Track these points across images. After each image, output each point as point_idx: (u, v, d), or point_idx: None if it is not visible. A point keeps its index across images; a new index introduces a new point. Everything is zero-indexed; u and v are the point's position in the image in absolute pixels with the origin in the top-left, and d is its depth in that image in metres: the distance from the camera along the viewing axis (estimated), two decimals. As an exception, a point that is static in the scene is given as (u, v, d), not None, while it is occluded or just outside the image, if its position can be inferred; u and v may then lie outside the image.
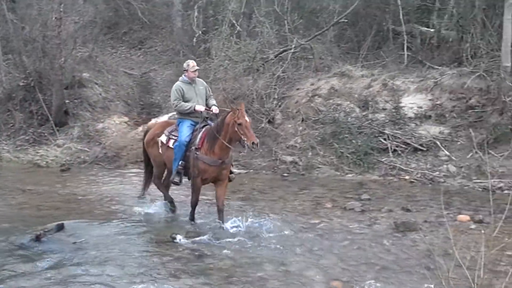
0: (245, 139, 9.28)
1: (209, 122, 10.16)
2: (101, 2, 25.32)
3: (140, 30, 26.58)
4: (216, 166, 9.76)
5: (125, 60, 24.83)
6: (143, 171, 11.81)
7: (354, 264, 8.33)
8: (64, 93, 19.32)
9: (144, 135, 11.38)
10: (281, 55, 18.12)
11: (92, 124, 18.95)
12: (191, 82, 10.29)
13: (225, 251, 8.81)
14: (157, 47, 25.21)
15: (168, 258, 8.49)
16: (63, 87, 19.35)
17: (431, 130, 15.00)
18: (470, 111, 15.03)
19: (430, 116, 15.35)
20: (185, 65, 10.37)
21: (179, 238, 9.33)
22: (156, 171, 11.04)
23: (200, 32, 21.56)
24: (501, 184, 12.74)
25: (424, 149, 14.66)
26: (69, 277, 7.64)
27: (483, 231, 7.51)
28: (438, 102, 15.47)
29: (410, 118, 15.46)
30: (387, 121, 15.43)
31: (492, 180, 12.78)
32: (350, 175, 14.39)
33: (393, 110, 15.69)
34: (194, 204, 10.20)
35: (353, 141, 15.04)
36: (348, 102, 16.26)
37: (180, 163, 9.99)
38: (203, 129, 9.99)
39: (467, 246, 7.47)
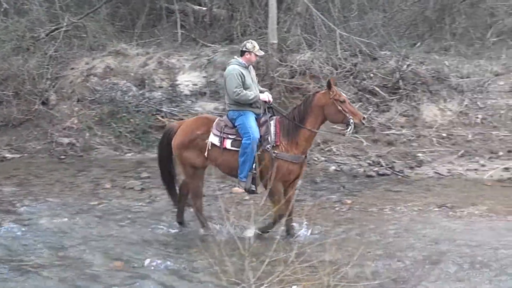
0: (351, 117, 8.01)
1: (275, 111, 8.65)
2: None
3: None
4: (299, 164, 8.31)
5: None
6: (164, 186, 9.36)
7: (135, 243, 8.45)
8: None
9: (166, 139, 8.92)
10: (52, 33, 17.46)
11: None
12: (247, 66, 8.57)
13: (-3, 239, 8.52)
14: None
15: None
16: None
17: (206, 106, 15.41)
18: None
19: (205, 93, 15.78)
20: (249, 45, 8.50)
21: None
22: (195, 184, 8.69)
23: (-38, 10, 20.15)
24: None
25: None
26: None
27: (252, 201, 8.01)
28: (212, 79, 15.95)
29: (186, 95, 15.77)
30: (164, 99, 15.57)
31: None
32: (129, 155, 14.40)
33: (170, 88, 15.91)
34: (281, 214, 7.95)
35: (131, 120, 15.03)
36: (125, 81, 16.15)
37: (253, 166, 8.20)
38: (272, 121, 8.37)
39: (240, 216, 7.90)
